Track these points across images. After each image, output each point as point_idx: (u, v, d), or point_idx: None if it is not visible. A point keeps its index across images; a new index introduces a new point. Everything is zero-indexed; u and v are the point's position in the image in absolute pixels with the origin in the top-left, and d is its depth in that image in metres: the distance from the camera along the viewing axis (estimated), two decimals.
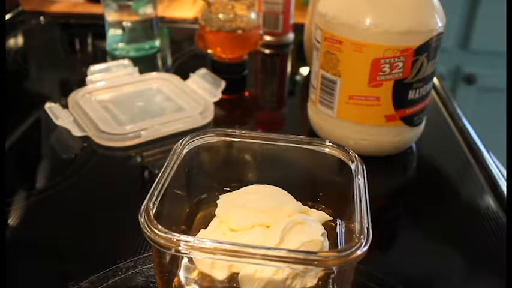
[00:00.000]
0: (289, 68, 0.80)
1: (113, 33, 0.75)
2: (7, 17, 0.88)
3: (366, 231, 0.29)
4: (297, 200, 0.37)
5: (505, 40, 0.77)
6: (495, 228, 0.44)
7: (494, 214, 0.46)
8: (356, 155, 0.36)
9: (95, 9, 0.92)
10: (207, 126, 0.57)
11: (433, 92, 0.66)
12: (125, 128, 0.54)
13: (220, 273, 0.32)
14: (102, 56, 0.76)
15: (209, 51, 0.69)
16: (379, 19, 0.45)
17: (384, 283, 0.37)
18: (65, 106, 0.57)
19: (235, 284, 0.32)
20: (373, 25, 0.45)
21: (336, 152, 0.37)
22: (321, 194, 0.39)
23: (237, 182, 0.39)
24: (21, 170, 0.51)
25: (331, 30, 0.48)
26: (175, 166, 0.35)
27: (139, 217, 0.29)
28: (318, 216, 0.37)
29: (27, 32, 0.87)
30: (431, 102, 0.63)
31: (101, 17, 0.75)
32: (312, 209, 0.37)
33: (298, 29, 0.84)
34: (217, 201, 0.37)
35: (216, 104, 0.60)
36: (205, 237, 0.34)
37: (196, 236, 0.34)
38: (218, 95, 0.61)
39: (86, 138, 0.53)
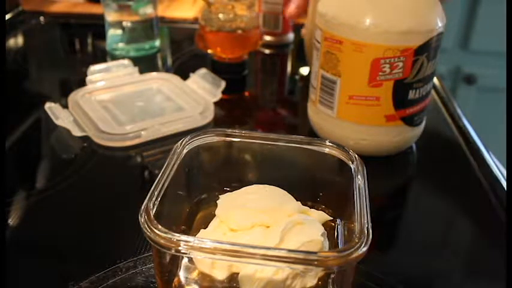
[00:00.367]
0: (289, 68, 0.80)
1: (113, 33, 0.75)
2: (7, 17, 0.88)
3: (366, 231, 0.29)
4: (297, 200, 0.37)
5: (505, 40, 0.77)
6: (495, 228, 0.44)
7: (494, 214, 0.46)
8: (356, 155, 0.36)
9: (95, 9, 0.91)
10: (207, 126, 0.57)
11: (433, 92, 0.66)
12: (125, 128, 0.54)
13: (220, 273, 0.32)
14: (102, 56, 0.76)
15: (209, 51, 0.69)
16: (379, 19, 0.45)
17: (384, 283, 0.37)
18: (65, 106, 0.57)
19: (235, 284, 0.32)
20: (373, 25, 0.45)
21: (336, 152, 0.37)
22: (321, 194, 0.39)
23: (237, 182, 0.39)
24: (21, 170, 0.51)
25: (331, 30, 0.48)
26: (175, 166, 0.35)
27: (139, 217, 0.29)
28: (318, 216, 0.37)
29: (27, 32, 0.87)
30: (431, 102, 0.63)
31: (101, 17, 0.75)
32: (312, 209, 0.37)
33: (298, 29, 0.84)
34: (217, 201, 0.37)
35: (216, 104, 0.60)
36: (205, 237, 0.34)
37: (196, 236, 0.34)
38: (218, 95, 0.61)
39: (86, 138, 0.53)
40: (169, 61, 0.78)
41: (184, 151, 0.37)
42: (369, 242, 0.28)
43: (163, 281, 0.33)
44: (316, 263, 0.27)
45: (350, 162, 0.36)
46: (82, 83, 0.62)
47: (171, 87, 0.63)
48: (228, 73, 0.68)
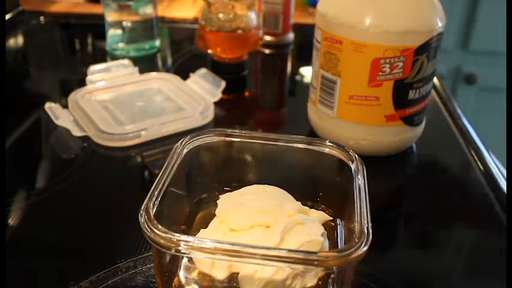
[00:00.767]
0: (289, 68, 0.80)
1: (113, 33, 0.75)
2: (7, 17, 0.88)
3: (366, 231, 0.29)
4: (297, 200, 0.37)
5: (505, 40, 0.77)
6: (495, 228, 0.44)
7: (494, 214, 0.46)
8: (356, 155, 0.36)
9: (95, 9, 0.92)
10: (207, 126, 0.57)
11: (433, 92, 0.66)
12: (125, 128, 0.54)
13: (220, 273, 0.33)
14: (102, 56, 0.76)
15: (209, 51, 0.69)
16: (379, 19, 0.45)
17: (384, 283, 0.37)
18: (65, 106, 0.58)
19: (235, 284, 0.32)
20: (373, 25, 0.45)
21: (336, 152, 0.37)
22: (321, 194, 0.39)
23: (237, 182, 0.39)
24: (21, 170, 0.51)
25: (331, 30, 0.48)
26: (175, 166, 0.35)
27: (139, 217, 0.29)
28: (318, 216, 0.37)
29: (27, 32, 0.87)
30: (431, 102, 0.63)
31: (101, 17, 0.75)
32: (312, 209, 0.37)
33: (298, 29, 0.84)
34: (217, 201, 0.37)
35: (216, 104, 0.60)
36: (205, 237, 0.34)
37: (196, 236, 0.34)
38: (218, 95, 0.61)
39: (86, 138, 0.53)
40: (169, 61, 0.78)
41: (184, 151, 0.37)
42: (369, 242, 0.28)
43: (163, 281, 0.33)
44: (316, 263, 0.27)
45: (350, 162, 0.36)
46: (82, 83, 0.62)
47: (171, 87, 0.63)
48: (228, 73, 0.68)
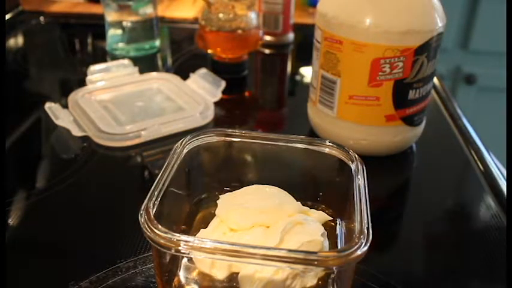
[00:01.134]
0: (289, 68, 0.80)
1: (113, 33, 0.75)
2: (7, 17, 0.88)
3: (366, 231, 0.29)
4: (297, 200, 0.37)
5: (505, 40, 0.77)
6: (495, 228, 0.44)
7: (494, 214, 0.46)
8: (356, 155, 0.36)
9: (95, 9, 0.92)
10: (207, 126, 0.57)
11: (433, 92, 0.66)
12: (125, 128, 0.54)
13: (220, 273, 0.33)
14: (102, 56, 0.76)
15: (209, 51, 0.69)
16: (379, 19, 0.45)
17: (384, 283, 0.37)
18: (65, 106, 0.58)
19: (235, 284, 0.32)
20: (373, 25, 0.45)
21: (336, 152, 0.37)
22: (321, 194, 0.39)
23: (237, 182, 0.39)
24: (21, 170, 0.51)
25: (331, 30, 0.48)
26: (175, 166, 0.35)
27: (139, 217, 0.29)
28: (318, 216, 0.37)
29: (27, 32, 0.87)
30: (431, 102, 0.63)
31: (101, 17, 0.75)
32: (312, 209, 0.37)
33: (298, 29, 0.84)
34: (218, 201, 0.37)
35: (216, 104, 0.60)
36: (205, 237, 0.34)
37: (196, 235, 0.34)
38: (218, 95, 0.61)
39: (86, 138, 0.53)
40: (169, 61, 0.78)
41: (184, 151, 0.37)
42: (369, 242, 0.28)
43: (163, 281, 0.33)
44: (316, 263, 0.27)
45: (350, 162, 0.36)
46: (82, 83, 0.62)
47: (171, 87, 0.63)
48: (228, 73, 0.68)
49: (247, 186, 0.38)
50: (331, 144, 0.38)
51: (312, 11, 0.96)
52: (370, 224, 0.30)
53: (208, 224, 0.36)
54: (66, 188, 0.47)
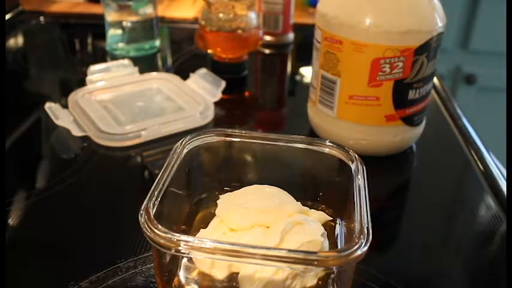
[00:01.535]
0: (289, 68, 0.80)
1: (113, 33, 0.75)
2: (7, 17, 0.88)
3: (366, 231, 0.29)
4: (297, 200, 0.37)
5: (505, 40, 0.77)
6: (495, 228, 0.44)
7: (494, 214, 0.46)
8: (356, 155, 0.36)
9: (95, 9, 0.91)
10: (207, 126, 0.57)
11: (433, 92, 0.66)
12: (125, 128, 0.54)
13: (220, 273, 0.33)
14: (102, 56, 0.76)
15: (209, 51, 0.69)
16: (379, 19, 0.45)
17: (384, 283, 0.37)
18: (65, 106, 0.58)
19: (235, 284, 0.32)
20: (373, 25, 0.45)
21: (336, 152, 0.37)
22: (321, 194, 0.39)
23: (237, 182, 0.39)
24: (21, 170, 0.51)
25: (331, 30, 0.48)
26: (175, 166, 0.35)
27: (139, 217, 0.29)
28: (318, 217, 0.37)
29: (27, 32, 0.87)
30: (431, 102, 0.63)
31: (101, 17, 0.75)
32: (312, 209, 0.37)
33: (298, 29, 0.84)
34: (218, 201, 0.37)
35: (216, 104, 0.60)
36: (205, 237, 0.34)
37: (196, 235, 0.34)
38: (218, 95, 0.61)
39: (86, 138, 0.53)
40: (169, 61, 0.78)
41: (184, 151, 0.37)
42: (369, 242, 0.28)
43: (163, 281, 0.33)
44: (316, 263, 0.27)
45: (350, 162, 0.36)
46: (82, 83, 0.62)
47: (171, 87, 0.63)
48: (228, 73, 0.68)
49: (247, 186, 0.38)
50: (331, 144, 0.38)
51: (312, 11, 0.96)
52: (370, 224, 0.30)
53: (208, 224, 0.36)
54: (66, 188, 0.47)
